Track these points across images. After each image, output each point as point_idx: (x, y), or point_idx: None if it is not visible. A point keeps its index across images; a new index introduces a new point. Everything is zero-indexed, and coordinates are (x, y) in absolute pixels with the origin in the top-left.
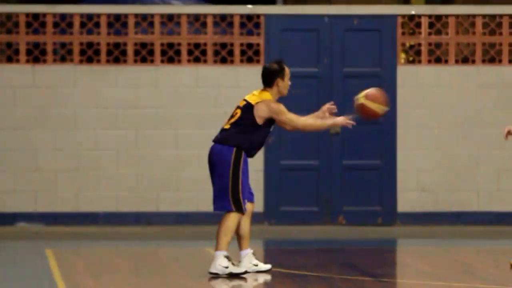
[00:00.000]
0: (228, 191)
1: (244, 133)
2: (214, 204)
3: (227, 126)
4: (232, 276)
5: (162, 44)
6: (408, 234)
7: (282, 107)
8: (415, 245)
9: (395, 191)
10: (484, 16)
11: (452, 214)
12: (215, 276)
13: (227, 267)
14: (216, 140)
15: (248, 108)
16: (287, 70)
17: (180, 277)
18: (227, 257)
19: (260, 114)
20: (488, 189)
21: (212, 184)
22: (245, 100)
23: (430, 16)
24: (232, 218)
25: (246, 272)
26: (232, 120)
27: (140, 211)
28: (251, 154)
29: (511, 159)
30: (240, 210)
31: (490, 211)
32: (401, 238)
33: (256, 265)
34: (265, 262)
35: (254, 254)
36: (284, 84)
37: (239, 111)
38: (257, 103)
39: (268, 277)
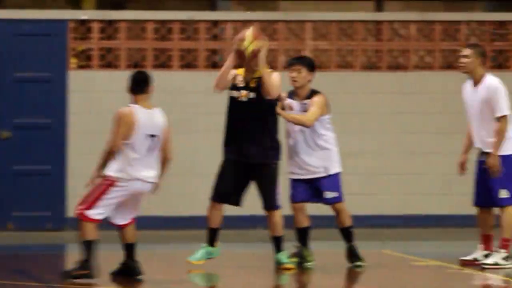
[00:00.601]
0: None
1: None
2: None
3: None
4: None
5: None
6: (77, 239)
7: None
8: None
9: (65, 196)
10: (155, 21)
11: None
12: None
13: None
14: None
15: None
16: None
17: None
18: None
19: None
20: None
21: None
22: None
23: (101, 21)
24: None
25: None
26: None
27: None
28: None
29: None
30: None
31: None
32: (70, 243)
33: None
34: None
35: None
36: None
37: None
38: None
39: None
